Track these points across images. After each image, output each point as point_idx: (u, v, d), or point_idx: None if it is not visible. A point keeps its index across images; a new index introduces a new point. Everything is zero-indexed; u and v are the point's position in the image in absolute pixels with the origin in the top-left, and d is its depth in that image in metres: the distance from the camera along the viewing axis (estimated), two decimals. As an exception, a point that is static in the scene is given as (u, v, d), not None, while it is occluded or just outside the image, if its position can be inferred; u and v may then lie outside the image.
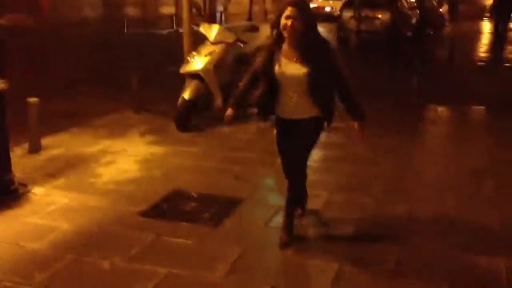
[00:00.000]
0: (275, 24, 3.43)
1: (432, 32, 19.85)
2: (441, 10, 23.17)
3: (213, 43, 6.86)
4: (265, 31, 4.92)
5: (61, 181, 4.66)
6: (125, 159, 5.36)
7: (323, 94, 3.49)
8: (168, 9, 24.98)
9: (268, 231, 3.87)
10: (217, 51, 6.74)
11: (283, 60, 3.44)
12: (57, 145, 5.64)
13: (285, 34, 3.38)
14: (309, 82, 3.40)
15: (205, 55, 6.72)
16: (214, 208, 4.23)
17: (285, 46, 3.45)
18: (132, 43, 15.80)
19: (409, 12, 17.79)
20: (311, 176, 4.95)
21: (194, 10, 8.09)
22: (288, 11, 3.35)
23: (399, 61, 13.93)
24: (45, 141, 5.60)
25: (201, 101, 6.57)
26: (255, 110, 3.81)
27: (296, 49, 3.41)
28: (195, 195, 4.47)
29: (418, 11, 18.58)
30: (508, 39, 18.39)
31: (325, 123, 3.63)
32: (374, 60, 14.15)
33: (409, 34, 17.28)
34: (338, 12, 18.54)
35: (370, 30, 15.82)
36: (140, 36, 18.25)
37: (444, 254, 3.54)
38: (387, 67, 12.79)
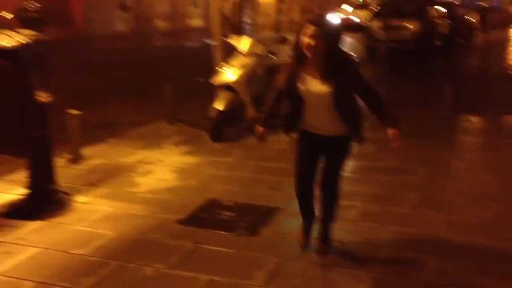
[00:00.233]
0: (297, 43, 3.36)
1: (462, 41, 19.66)
2: (471, 19, 22.92)
3: (245, 55, 6.98)
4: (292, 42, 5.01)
5: (102, 190, 4.81)
6: (162, 169, 5.49)
7: (349, 111, 3.43)
8: (197, 22, 25.36)
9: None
10: (248, 62, 6.86)
11: (307, 78, 3.38)
12: (96, 155, 5.81)
13: (308, 54, 3.31)
14: (334, 100, 3.34)
15: (237, 67, 6.84)
16: (250, 218, 4.31)
17: (308, 64, 3.37)
18: (163, 55, 16.09)
19: (439, 21, 17.68)
20: (346, 186, 5.00)
21: (225, 23, 8.24)
22: (310, 30, 3.27)
23: (429, 71, 13.86)
24: (84, 151, 5.78)
25: (234, 112, 6.69)
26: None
27: (319, 67, 3.34)
28: (231, 205, 4.57)
29: (447, 20, 18.45)
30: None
31: (355, 141, 3.56)
32: (404, 70, 14.12)
33: (439, 43, 17.17)
34: (367, 22, 18.52)
35: (399, 40, 15.77)
36: (170, 48, 18.57)
37: (483, 266, 3.55)
38: (418, 77, 12.74)
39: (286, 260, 3.61)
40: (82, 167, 5.44)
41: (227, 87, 6.74)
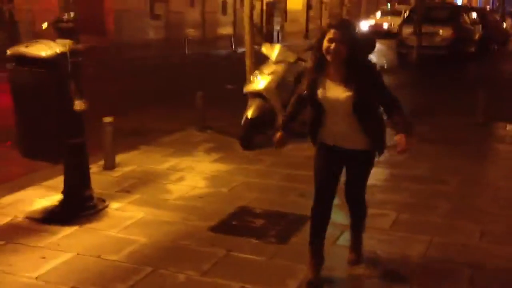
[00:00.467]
0: (317, 47, 3.26)
1: (496, 48, 19.33)
2: (504, 24, 22.54)
3: (275, 63, 7.01)
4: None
5: (135, 196, 4.88)
6: (193, 176, 5.54)
7: (369, 118, 3.28)
8: (226, 30, 25.55)
9: (336, 249, 3.91)
10: (279, 70, 6.88)
11: (327, 83, 3.27)
12: (129, 162, 5.90)
13: (328, 57, 3.21)
14: (354, 105, 3.21)
15: (268, 75, 6.87)
16: (281, 225, 4.31)
17: (328, 69, 3.28)
18: (193, 63, 16.25)
19: (472, 27, 17.44)
20: (377, 195, 4.99)
21: (255, 31, 8.30)
22: (331, 33, 3.17)
23: (462, 77, 13.66)
24: (118, 158, 5.87)
25: (264, 119, 6.71)
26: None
27: (339, 71, 3.24)
28: (261, 212, 4.58)
29: (480, 26, 18.18)
30: None
31: (376, 153, 3.41)
32: (436, 76, 13.95)
33: (472, 49, 16.93)
34: (397, 28, 18.39)
35: (431, 46, 15.60)
36: (200, 56, 18.75)
37: (518, 275, 3.48)
38: (450, 84, 12.57)
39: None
40: (115, 173, 5.54)
41: (257, 94, 6.76)
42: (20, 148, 4.57)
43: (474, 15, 18.61)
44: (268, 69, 6.95)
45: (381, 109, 3.37)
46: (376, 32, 25.65)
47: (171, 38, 21.90)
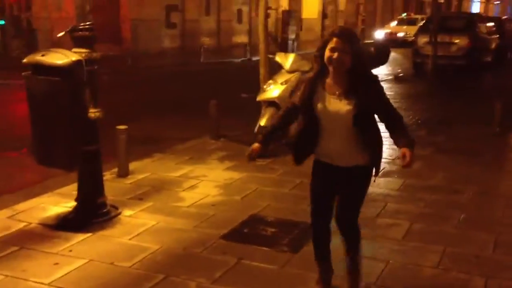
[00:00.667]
0: (319, 56, 3.08)
1: (512, 57, 19.17)
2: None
3: (289, 72, 7.02)
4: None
5: (148, 204, 4.91)
6: (206, 184, 5.55)
7: (369, 134, 3.11)
8: (241, 39, 25.65)
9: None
10: (292, 79, 6.90)
11: (326, 96, 3.07)
12: (142, 170, 5.94)
13: (330, 67, 3.03)
14: (354, 120, 3.02)
15: (281, 83, 6.89)
16: (293, 234, 4.31)
17: (328, 80, 3.09)
18: (208, 72, 16.33)
19: (488, 36, 17.32)
20: (391, 205, 4.96)
21: (269, 39, 8.33)
22: (333, 42, 2.98)
23: (478, 87, 13.55)
24: (131, 165, 5.91)
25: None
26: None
27: (341, 84, 3.05)
28: (273, 221, 4.57)
29: (497, 36, 18.05)
30: None
31: (373, 172, 3.21)
32: (452, 86, 13.86)
33: (488, 59, 16.80)
34: (413, 37, 18.32)
35: (447, 56, 15.50)
36: (215, 64, 18.83)
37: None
38: (466, 93, 12.48)
39: (329, 278, 3.57)
40: (129, 181, 5.57)
41: (271, 103, 6.78)
42: (35, 155, 4.63)
43: (490, 24, 18.48)
44: (282, 78, 6.97)
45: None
46: (392, 41, 25.59)
47: (187, 47, 22.03)
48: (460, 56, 15.59)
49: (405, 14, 35.80)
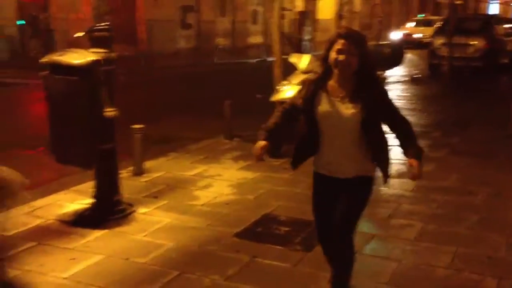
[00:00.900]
0: (324, 58, 2.94)
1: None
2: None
3: (304, 72, 7.04)
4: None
5: (163, 202, 4.97)
6: (220, 183, 5.61)
7: (377, 140, 2.99)
8: (256, 39, 25.70)
9: (361, 258, 3.88)
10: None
11: (328, 98, 2.93)
12: (157, 169, 6.01)
13: (335, 69, 2.90)
14: (361, 124, 2.88)
15: (296, 84, 6.91)
16: (306, 233, 4.34)
17: (332, 83, 2.95)
18: (223, 72, 16.41)
19: (505, 38, 17.16)
20: (405, 205, 4.97)
21: (284, 40, 8.37)
22: (339, 44, 2.86)
23: (494, 89, 13.45)
24: (146, 164, 5.99)
25: (291, 128, 6.74)
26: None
27: (346, 86, 2.92)
28: (286, 220, 4.61)
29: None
30: None
31: (376, 180, 3.08)
32: (468, 88, 13.77)
33: (505, 61, 16.66)
34: (429, 39, 18.22)
35: (464, 57, 15.39)
36: (230, 65, 18.91)
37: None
38: (482, 95, 12.40)
39: (341, 276, 3.60)
40: (144, 179, 5.65)
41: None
42: (53, 154, 4.72)
43: (507, 25, 18.31)
44: (297, 78, 6.99)
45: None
46: (408, 42, 25.46)
47: (202, 47, 22.14)
48: (477, 57, 15.47)
49: (421, 15, 35.59)
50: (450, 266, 3.78)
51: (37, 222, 4.47)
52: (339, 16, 28.31)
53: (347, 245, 3.09)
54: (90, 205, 4.65)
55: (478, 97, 12.09)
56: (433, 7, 43.62)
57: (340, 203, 3.04)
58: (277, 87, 7.18)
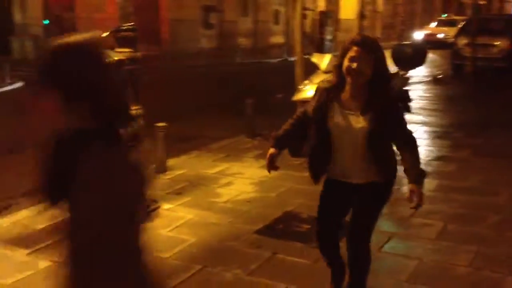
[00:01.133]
0: (338, 65, 2.84)
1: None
2: None
3: (325, 72, 7.08)
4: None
5: (186, 199, 5.07)
6: (241, 181, 5.69)
7: (383, 154, 2.89)
8: (278, 39, 25.76)
9: (381, 256, 3.94)
10: (328, 79, 6.94)
11: (340, 109, 2.85)
12: (180, 167, 6.11)
13: (349, 78, 2.79)
14: (368, 137, 2.80)
15: (317, 84, 6.94)
16: (327, 231, 4.38)
17: (345, 93, 2.86)
18: (245, 72, 16.49)
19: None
20: (426, 205, 4.94)
21: (307, 40, 8.40)
22: (353, 51, 2.74)
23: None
24: (169, 162, 6.10)
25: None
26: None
27: (358, 97, 2.82)
28: (307, 217, 4.66)
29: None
30: None
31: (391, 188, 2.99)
32: (492, 88, 13.62)
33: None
34: (453, 39, 18.07)
35: (487, 58, 15.24)
36: (252, 65, 19.00)
37: None
38: (505, 96, 12.26)
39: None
40: (167, 176, 5.76)
41: (306, 103, 6.84)
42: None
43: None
44: (318, 78, 7.02)
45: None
46: (431, 42, 25.26)
47: (224, 47, 22.28)
48: (500, 58, 15.31)
49: (445, 15, 35.25)
50: (470, 265, 3.79)
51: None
52: (362, 15, 28.22)
53: (362, 253, 3.05)
54: (115, 201, 4.76)
55: (501, 98, 11.96)
56: (457, 7, 43.16)
57: (353, 211, 2.99)
58: (299, 87, 7.23)
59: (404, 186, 5.34)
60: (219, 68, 17.25)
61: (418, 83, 13.89)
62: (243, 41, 23.73)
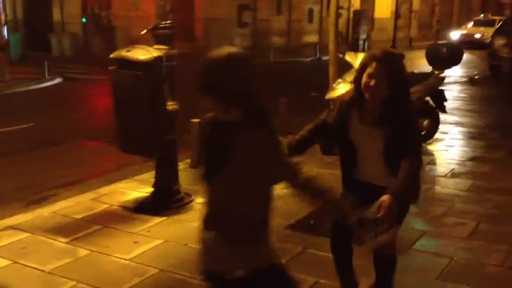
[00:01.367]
0: (357, 79, 2.79)
1: None
2: None
3: (359, 71, 7.10)
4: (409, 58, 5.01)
5: (219, 193, 5.15)
6: (274, 177, 5.74)
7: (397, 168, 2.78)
8: (312, 38, 25.71)
9: (413, 253, 3.97)
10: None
11: (359, 124, 2.84)
12: (213, 162, 6.20)
13: (366, 95, 2.73)
14: (384, 153, 2.79)
15: (350, 82, 6.96)
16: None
17: (363, 106, 2.81)
18: (278, 71, 16.54)
19: None
20: (458, 205, 4.96)
21: (339, 39, 8.42)
22: (372, 67, 2.68)
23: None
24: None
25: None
26: None
27: (374, 113, 2.78)
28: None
29: None
30: None
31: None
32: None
33: None
34: (490, 39, 17.75)
35: (525, 58, 14.91)
36: (285, 63, 19.04)
37: None
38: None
39: (392, 270, 3.67)
40: (200, 171, 5.85)
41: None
42: (118, 143, 5.00)
43: None
44: (351, 76, 7.02)
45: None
46: (468, 42, 24.83)
47: (257, 46, 22.38)
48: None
49: (482, 15, 34.57)
50: (502, 264, 3.78)
51: (103, 207, 4.76)
52: (397, 15, 27.93)
53: (391, 256, 3.08)
54: (150, 194, 4.90)
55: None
56: (495, 7, 42.24)
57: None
58: (332, 85, 7.26)
59: (436, 185, 5.39)
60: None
61: (454, 83, 13.70)
62: (276, 40, 23.76)
